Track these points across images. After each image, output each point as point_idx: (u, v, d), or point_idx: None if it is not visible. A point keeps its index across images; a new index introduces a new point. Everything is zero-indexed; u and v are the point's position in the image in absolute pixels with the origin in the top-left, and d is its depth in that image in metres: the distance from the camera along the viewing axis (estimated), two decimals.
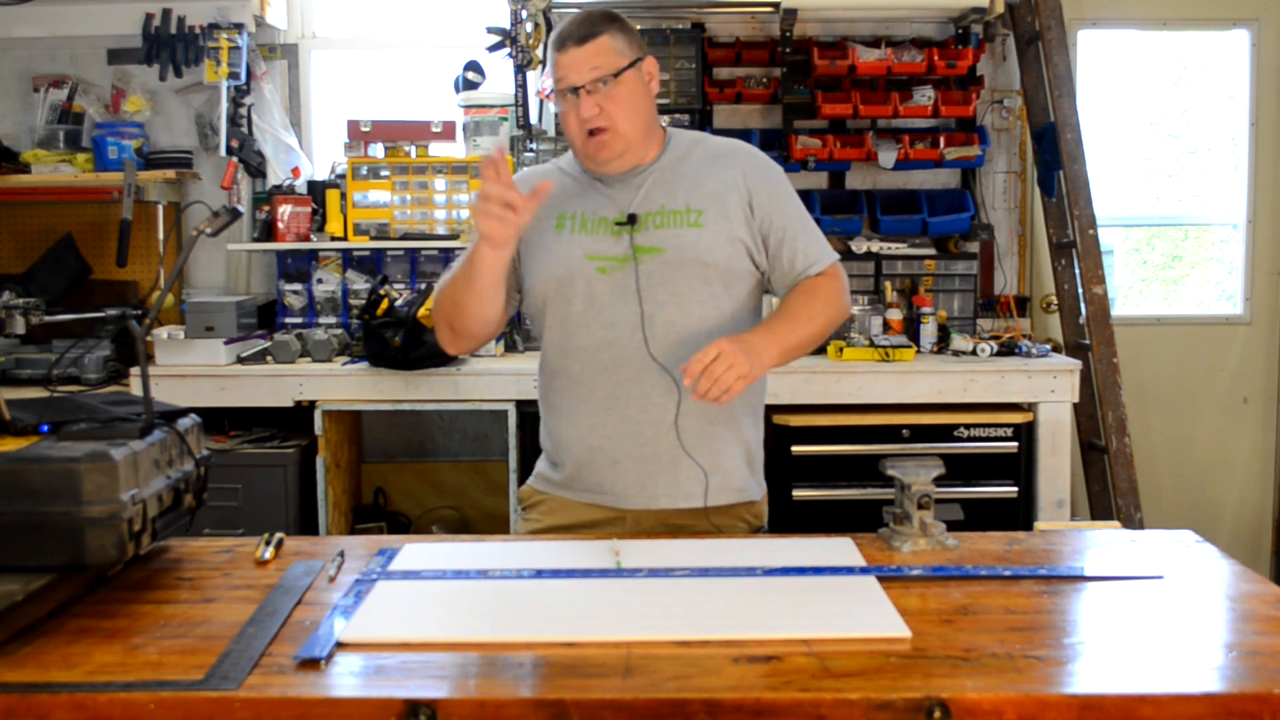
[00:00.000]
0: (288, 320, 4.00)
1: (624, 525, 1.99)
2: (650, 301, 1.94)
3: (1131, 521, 3.71)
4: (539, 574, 1.61)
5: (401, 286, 3.95)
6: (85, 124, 4.03)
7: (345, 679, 1.28)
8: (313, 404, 3.49)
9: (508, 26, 3.82)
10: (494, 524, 3.95)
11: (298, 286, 4.01)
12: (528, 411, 3.43)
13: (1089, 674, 1.28)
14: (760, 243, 2.01)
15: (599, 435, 1.98)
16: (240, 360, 3.59)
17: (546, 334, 2.04)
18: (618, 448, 1.97)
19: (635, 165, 2.00)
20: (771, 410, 3.50)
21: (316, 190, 4.05)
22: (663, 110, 3.87)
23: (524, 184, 2.10)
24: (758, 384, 2.10)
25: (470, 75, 4.04)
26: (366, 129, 3.95)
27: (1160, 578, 1.60)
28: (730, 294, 1.99)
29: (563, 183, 2.06)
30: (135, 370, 3.52)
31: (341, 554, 1.71)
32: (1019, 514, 3.51)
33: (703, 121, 3.99)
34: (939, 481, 1.76)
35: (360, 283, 3.99)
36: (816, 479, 3.49)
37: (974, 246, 4.10)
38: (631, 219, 1.96)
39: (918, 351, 3.70)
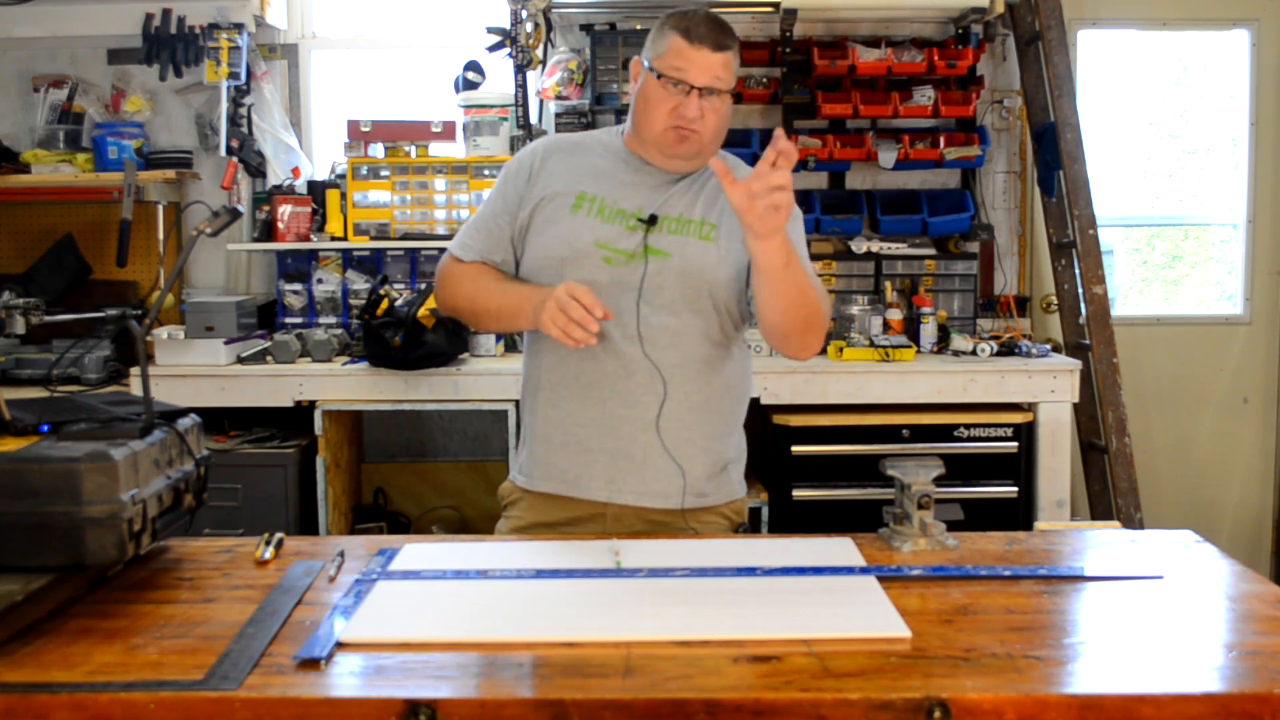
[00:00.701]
0: (288, 320, 4.00)
1: (604, 522, 1.99)
2: (648, 303, 1.94)
3: (1131, 521, 3.71)
4: (539, 574, 1.61)
5: (401, 286, 3.95)
6: (85, 124, 4.03)
7: (345, 679, 1.28)
8: (313, 404, 3.49)
9: (508, 26, 3.82)
10: (494, 524, 3.91)
11: (298, 286, 4.01)
12: None
13: (1089, 674, 1.28)
14: None
15: (577, 421, 1.98)
16: (240, 360, 3.59)
17: None
18: (592, 437, 1.97)
19: (690, 170, 2.02)
20: (771, 410, 3.50)
21: (316, 190, 4.05)
22: None
23: (555, 147, 2.08)
24: (740, 392, 2.10)
25: (470, 75, 4.04)
26: (366, 129, 3.95)
27: (1160, 578, 1.60)
28: (720, 311, 1.98)
29: (593, 161, 2.04)
30: (135, 370, 3.52)
31: (341, 554, 1.71)
32: (1019, 514, 3.51)
33: None
34: (939, 481, 1.76)
35: (360, 283, 3.99)
36: (816, 479, 3.49)
37: (974, 246, 4.10)
38: (652, 219, 1.96)
39: (918, 351, 3.70)
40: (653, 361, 1.94)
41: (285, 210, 3.93)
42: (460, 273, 2.06)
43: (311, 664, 1.30)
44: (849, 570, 1.62)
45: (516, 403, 3.43)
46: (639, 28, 3.95)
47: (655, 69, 1.95)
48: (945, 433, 3.48)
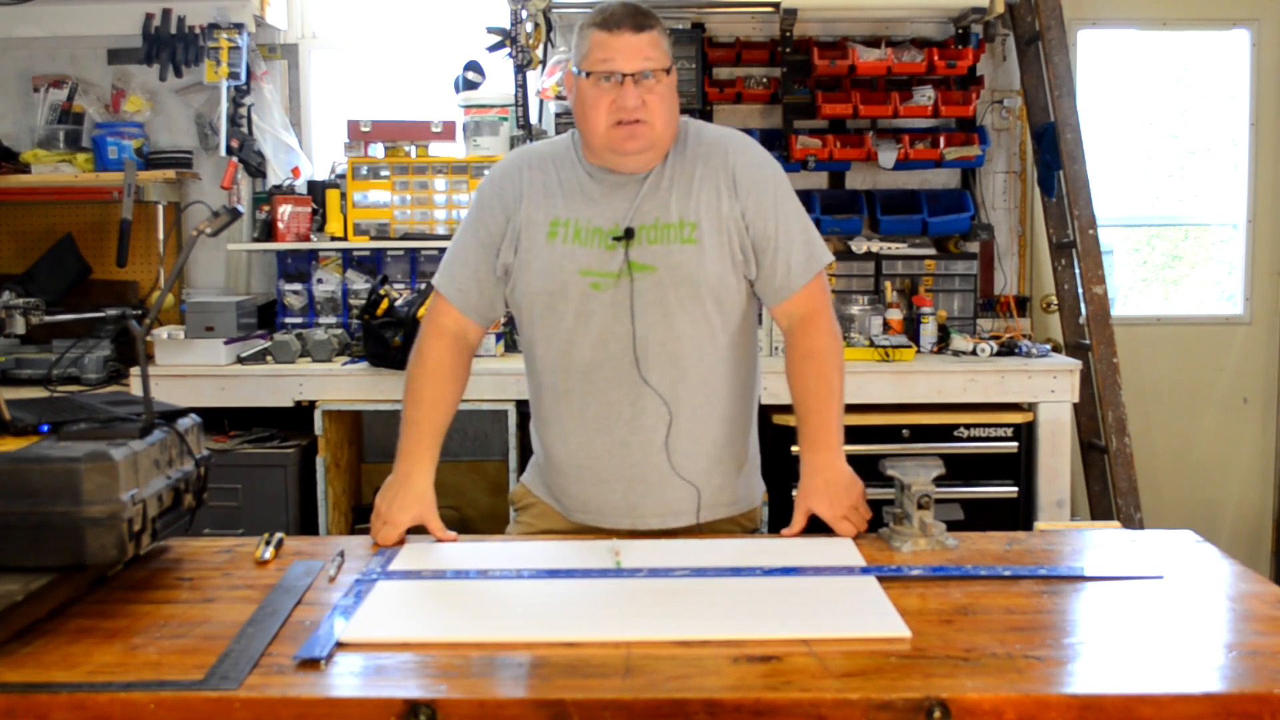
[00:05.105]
0: (288, 320, 4.00)
1: (620, 534, 1.97)
2: (642, 321, 1.88)
3: (1131, 521, 3.71)
4: (539, 574, 1.61)
5: (401, 286, 3.95)
6: (85, 124, 4.03)
7: (345, 679, 1.28)
8: (313, 404, 3.49)
9: (508, 26, 3.82)
10: (494, 524, 3.95)
11: (298, 286, 4.01)
12: (527, 412, 3.41)
13: (1089, 674, 1.28)
14: (750, 252, 1.92)
15: (588, 454, 1.94)
16: (240, 360, 3.59)
17: (537, 346, 1.97)
18: (607, 468, 1.93)
19: (649, 167, 1.91)
20: (771, 410, 3.50)
21: (316, 190, 4.05)
22: None
23: (514, 166, 1.99)
24: (748, 391, 2.04)
25: (470, 75, 4.04)
26: (366, 129, 3.95)
27: (1160, 578, 1.60)
28: (722, 311, 1.92)
29: (555, 178, 1.95)
30: (135, 370, 3.52)
31: (341, 554, 1.71)
32: (1019, 514, 3.51)
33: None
34: (939, 481, 1.76)
35: (360, 283, 3.99)
36: None
37: (974, 246, 4.10)
38: (629, 233, 1.87)
39: (918, 351, 3.70)
40: (652, 386, 1.89)
41: (285, 210, 3.93)
42: (421, 356, 2.02)
43: (311, 664, 1.30)
44: (849, 570, 1.62)
45: (517, 403, 3.46)
46: None
47: (583, 70, 1.85)
48: (945, 433, 3.48)
